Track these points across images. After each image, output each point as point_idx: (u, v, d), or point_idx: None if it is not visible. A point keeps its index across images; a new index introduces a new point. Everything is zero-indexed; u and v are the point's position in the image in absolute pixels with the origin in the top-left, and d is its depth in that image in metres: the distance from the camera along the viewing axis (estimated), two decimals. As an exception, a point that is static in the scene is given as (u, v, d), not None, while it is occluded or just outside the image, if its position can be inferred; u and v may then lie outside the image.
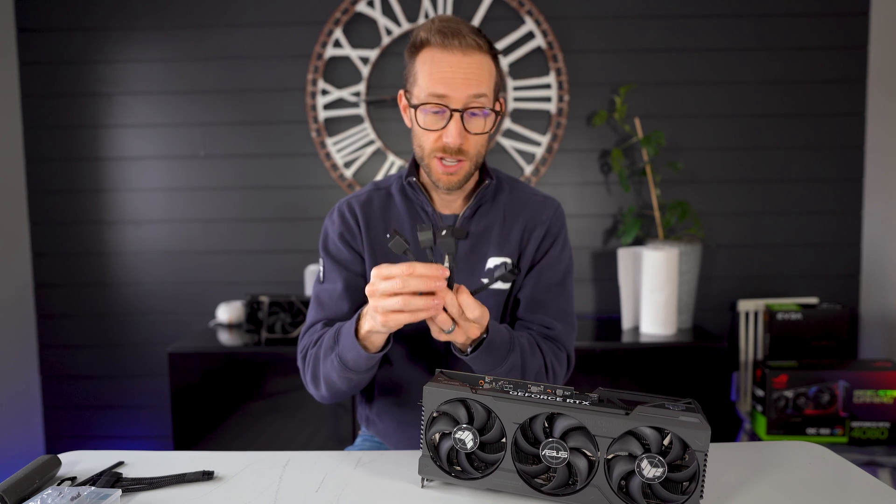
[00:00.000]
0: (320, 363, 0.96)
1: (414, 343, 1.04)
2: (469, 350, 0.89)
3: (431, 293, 0.80)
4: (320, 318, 1.04)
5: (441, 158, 0.97)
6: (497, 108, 1.00)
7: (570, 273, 1.09)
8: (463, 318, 0.83)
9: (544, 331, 1.04)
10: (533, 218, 1.07)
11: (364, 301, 1.05)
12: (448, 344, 1.03)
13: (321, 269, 1.08)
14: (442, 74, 0.93)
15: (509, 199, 1.08)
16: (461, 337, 0.86)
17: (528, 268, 1.07)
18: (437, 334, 0.86)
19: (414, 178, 1.04)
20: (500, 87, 1.02)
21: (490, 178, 1.06)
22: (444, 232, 0.83)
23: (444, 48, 0.93)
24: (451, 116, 0.94)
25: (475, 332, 0.86)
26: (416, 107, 0.96)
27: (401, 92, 1.03)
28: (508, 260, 1.04)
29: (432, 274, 0.78)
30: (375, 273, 0.81)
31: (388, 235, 0.83)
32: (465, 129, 0.95)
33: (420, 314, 0.80)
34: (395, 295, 0.78)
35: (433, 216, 1.04)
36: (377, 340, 0.88)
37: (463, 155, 0.97)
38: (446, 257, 0.86)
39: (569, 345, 1.06)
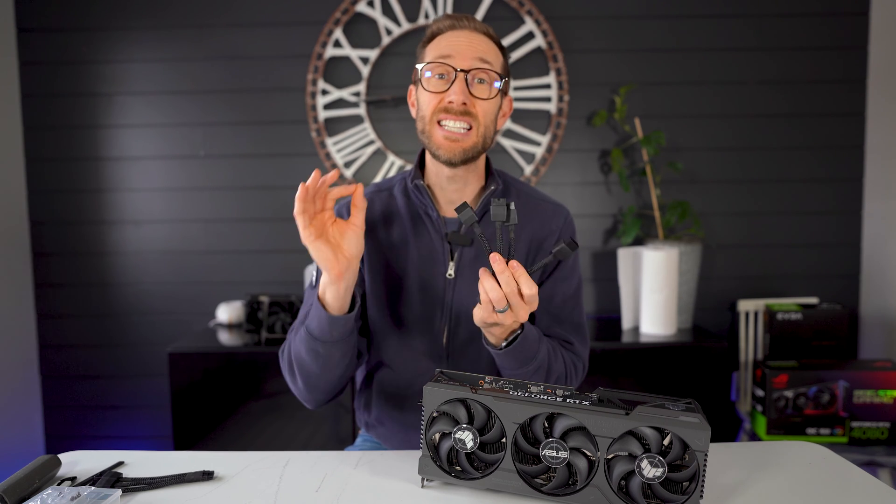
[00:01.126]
0: (292, 345, 0.98)
1: (414, 345, 1.03)
2: (504, 344, 0.88)
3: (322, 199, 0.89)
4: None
5: (444, 126, 0.95)
6: (504, 93, 1.01)
7: (581, 283, 1.08)
8: (517, 296, 0.81)
9: (563, 345, 1.04)
10: (542, 227, 1.04)
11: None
12: (448, 346, 1.02)
13: (314, 272, 1.03)
14: (448, 43, 0.96)
15: (517, 206, 1.05)
16: (510, 318, 0.83)
17: (541, 281, 1.04)
18: (488, 314, 0.83)
19: (420, 181, 1.02)
20: (506, 76, 1.01)
21: (497, 182, 1.03)
22: (500, 199, 0.82)
23: (454, 28, 0.98)
24: (456, 78, 0.94)
25: (524, 314, 0.83)
26: (422, 67, 0.97)
27: (410, 87, 1.03)
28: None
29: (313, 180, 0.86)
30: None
31: (457, 209, 0.83)
32: (471, 93, 0.94)
33: (301, 213, 0.85)
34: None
35: (437, 221, 1.01)
36: (331, 296, 0.90)
37: (472, 119, 0.95)
38: (499, 231, 0.84)
39: (585, 357, 1.06)
